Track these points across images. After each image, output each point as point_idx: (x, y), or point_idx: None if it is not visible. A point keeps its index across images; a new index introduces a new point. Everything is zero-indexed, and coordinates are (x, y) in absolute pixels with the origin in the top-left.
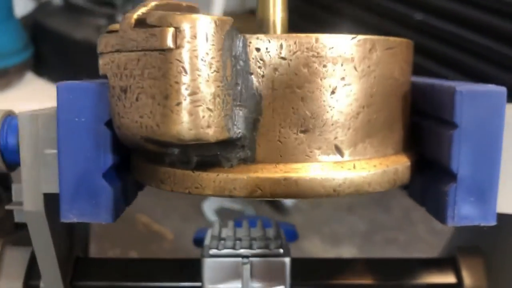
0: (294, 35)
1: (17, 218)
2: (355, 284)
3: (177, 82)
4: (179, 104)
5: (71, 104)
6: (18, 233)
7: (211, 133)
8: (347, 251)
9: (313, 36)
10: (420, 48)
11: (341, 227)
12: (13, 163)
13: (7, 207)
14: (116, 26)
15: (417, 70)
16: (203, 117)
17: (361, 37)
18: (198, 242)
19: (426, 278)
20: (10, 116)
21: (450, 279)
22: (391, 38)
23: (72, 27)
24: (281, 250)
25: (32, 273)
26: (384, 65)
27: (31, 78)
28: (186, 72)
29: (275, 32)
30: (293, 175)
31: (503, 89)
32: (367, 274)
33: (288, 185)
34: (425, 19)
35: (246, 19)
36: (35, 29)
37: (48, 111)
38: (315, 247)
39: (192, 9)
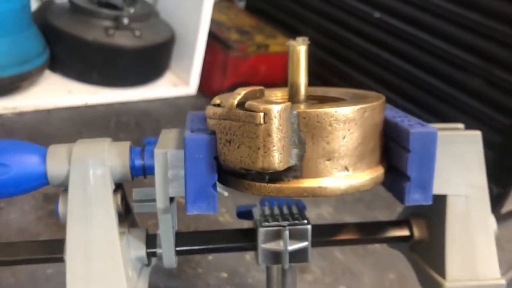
0: (323, 110)
1: (136, 210)
2: (349, 239)
3: (264, 141)
4: (265, 152)
5: (194, 147)
6: (130, 218)
7: (280, 166)
8: (325, 210)
9: (334, 108)
10: (377, 41)
11: None
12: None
13: (135, 204)
14: (217, 101)
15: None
16: (277, 158)
17: (359, 106)
18: (241, 215)
19: (392, 232)
20: (134, 146)
21: (406, 232)
22: (375, 103)
23: (82, 29)
24: (305, 221)
25: (150, 244)
26: (371, 118)
27: (47, 75)
28: (269, 136)
29: (300, 93)
30: (322, 184)
31: (435, 130)
32: (354, 232)
33: (320, 190)
34: (383, 17)
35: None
36: (46, 29)
37: (175, 151)
38: None
39: (262, 91)
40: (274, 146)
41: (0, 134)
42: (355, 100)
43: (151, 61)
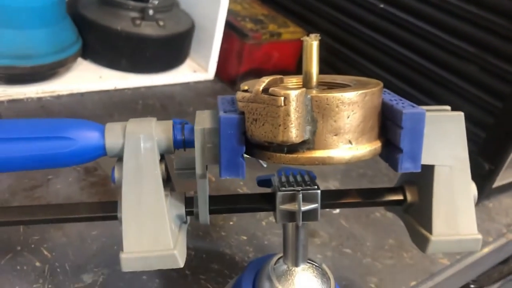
0: (331, 94)
1: (178, 177)
2: (352, 202)
3: (284, 119)
4: (285, 128)
5: (227, 125)
6: (170, 184)
7: (297, 139)
8: (332, 184)
9: (340, 93)
10: (381, 30)
11: (327, 168)
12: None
13: (176, 171)
14: (245, 87)
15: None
16: (294, 133)
17: (361, 91)
18: (261, 183)
19: (388, 197)
20: (177, 122)
21: (400, 197)
22: (374, 88)
23: (111, 19)
24: (316, 187)
25: (187, 205)
26: (370, 101)
27: (80, 61)
28: (288, 115)
29: (312, 80)
30: (331, 154)
31: (423, 111)
32: (356, 197)
33: (329, 159)
34: (386, 8)
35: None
36: (78, 19)
37: (212, 128)
38: None
39: (282, 79)
40: (292, 123)
41: (41, 114)
42: (358, 86)
43: (174, 49)
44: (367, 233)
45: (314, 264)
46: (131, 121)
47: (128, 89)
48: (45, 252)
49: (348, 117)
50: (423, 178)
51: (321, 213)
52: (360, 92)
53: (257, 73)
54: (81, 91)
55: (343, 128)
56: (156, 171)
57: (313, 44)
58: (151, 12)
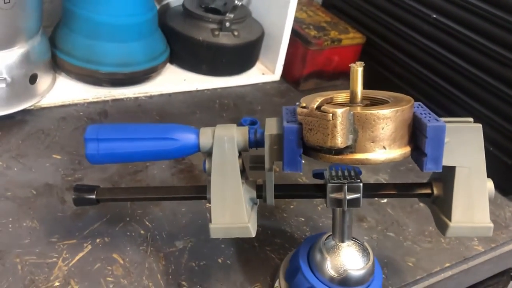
0: (370, 111)
1: (250, 170)
2: (388, 193)
3: (332, 130)
4: (333, 137)
5: (289, 132)
6: (245, 175)
7: (341, 145)
8: (382, 177)
9: (377, 110)
10: (434, 38)
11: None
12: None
13: (250, 165)
14: (303, 104)
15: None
16: (339, 140)
17: (393, 109)
18: (316, 176)
19: (420, 190)
20: (251, 128)
21: (429, 191)
22: (405, 106)
23: (194, 30)
24: (359, 181)
25: (258, 190)
26: (401, 116)
27: (168, 66)
28: (335, 127)
29: (357, 97)
30: (368, 157)
31: (444, 124)
32: (392, 189)
33: (367, 160)
34: (438, 18)
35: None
36: (165, 29)
37: (278, 134)
38: (363, 176)
39: (331, 98)
40: (338, 133)
41: (138, 112)
42: (392, 103)
43: (246, 55)
44: (409, 221)
45: (357, 242)
46: (218, 126)
47: (207, 90)
48: (147, 223)
49: (382, 129)
50: (447, 177)
51: (370, 202)
52: (392, 109)
53: (319, 75)
54: (169, 92)
55: (379, 137)
56: (236, 165)
57: (358, 70)
58: (227, 24)
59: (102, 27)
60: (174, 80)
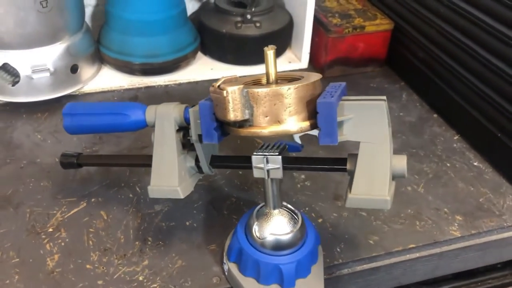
0: (259, 90)
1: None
2: (306, 166)
3: (227, 105)
4: (228, 110)
5: (203, 108)
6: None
7: (238, 118)
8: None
9: (267, 88)
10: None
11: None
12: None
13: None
14: (216, 84)
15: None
16: (233, 113)
17: (284, 87)
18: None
19: (334, 165)
20: (187, 107)
21: (343, 165)
22: (299, 84)
23: (219, 23)
24: (277, 153)
25: (196, 160)
26: (295, 93)
27: (200, 56)
28: (229, 102)
29: (270, 78)
30: (263, 130)
31: (333, 101)
32: (311, 163)
33: (262, 133)
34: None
35: None
36: (199, 24)
37: (196, 109)
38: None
39: (236, 79)
40: (231, 108)
41: (164, 97)
42: (298, 81)
43: (269, 45)
44: None
45: (288, 210)
46: (162, 105)
47: None
48: (137, 189)
49: (274, 105)
50: (359, 152)
51: None
52: (283, 87)
53: (343, 62)
54: (196, 80)
55: (272, 112)
56: (172, 137)
57: (269, 53)
58: (249, 16)
59: (131, 24)
60: (202, 69)
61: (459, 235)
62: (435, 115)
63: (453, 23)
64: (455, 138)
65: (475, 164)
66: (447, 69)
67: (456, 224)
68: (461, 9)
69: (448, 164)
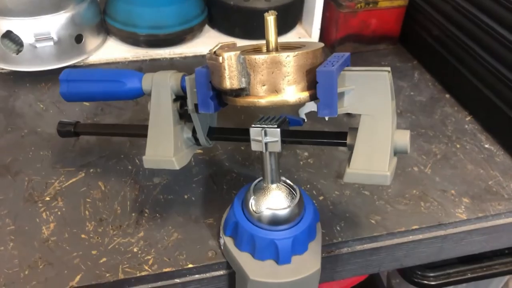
0: (257, 56)
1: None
2: (304, 140)
3: (223, 72)
4: (224, 78)
5: (199, 75)
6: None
7: (233, 86)
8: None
9: (264, 55)
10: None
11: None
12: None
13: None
14: (213, 50)
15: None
16: (229, 82)
17: (283, 54)
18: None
19: (334, 139)
20: (184, 75)
21: (344, 140)
22: (299, 52)
23: None
24: (276, 126)
25: (194, 132)
26: (295, 61)
27: (207, 29)
28: (225, 69)
29: (270, 45)
30: (260, 100)
31: (333, 69)
32: (308, 136)
33: (258, 102)
34: None
35: None
36: None
37: (193, 77)
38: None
39: (233, 45)
40: (227, 75)
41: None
42: (294, 50)
43: (279, 19)
44: (394, 182)
45: (286, 185)
46: (158, 72)
47: None
48: (137, 161)
49: (272, 73)
50: (359, 125)
51: None
52: (282, 54)
53: (356, 39)
54: (203, 53)
55: (270, 80)
56: (168, 106)
57: (269, 18)
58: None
59: None
60: (209, 43)
61: (465, 218)
62: (447, 95)
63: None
64: (467, 119)
65: (486, 146)
66: (463, 47)
67: (462, 207)
68: None
69: (458, 146)
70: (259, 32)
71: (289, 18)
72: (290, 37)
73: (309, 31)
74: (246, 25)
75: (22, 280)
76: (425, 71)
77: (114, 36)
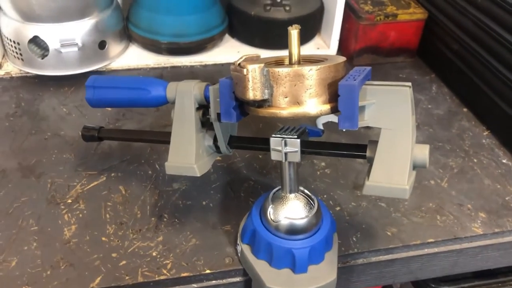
0: (280, 69)
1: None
2: (324, 151)
3: (247, 83)
4: (248, 89)
5: (223, 85)
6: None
7: (257, 97)
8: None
9: (287, 68)
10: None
11: None
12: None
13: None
14: (237, 62)
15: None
16: (252, 93)
17: (306, 67)
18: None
19: (354, 151)
20: (208, 85)
21: (363, 152)
22: (322, 66)
23: (248, 6)
24: (296, 137)
25: (215, 140)
26: (317, 74)
27: (227, 38)
28: (249, 81)
29: (293, 58)
30: (282, 111)
31: (355, 84)
32: (329, 148)
33: (280, 113)
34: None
35: None
36: (228, 6)
37: (217, 87)
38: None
39: (257, 57)
40: (251, 87)
41: (192, 79)
42: (317, 63)
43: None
44: (410, 195)
45: (305, 195)
46: (183, 82)
47: None
48: (157, 166)
49: (295, 86)
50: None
51: None
52: (304, 68)
53: (374, 51)
54: (222, 62)
55: (292, 93)
56: (192, 114)
57: (293, 32)
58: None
59: (160, 2)
60: (229, 52)
61: (481, 233)
62: (465, 109)
63: (491, 14)
64: (484, 134)
65: (504, 161)
66: (482, 62)
67: (479, 221)
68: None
69: (475, 160)
70: (279, 42)
71: (308, 29)
72: (308, 48)
73: (328, 42)
74: (266, 35)
75: (44, 280)
76: (443, 85)
77: (136, 43)
